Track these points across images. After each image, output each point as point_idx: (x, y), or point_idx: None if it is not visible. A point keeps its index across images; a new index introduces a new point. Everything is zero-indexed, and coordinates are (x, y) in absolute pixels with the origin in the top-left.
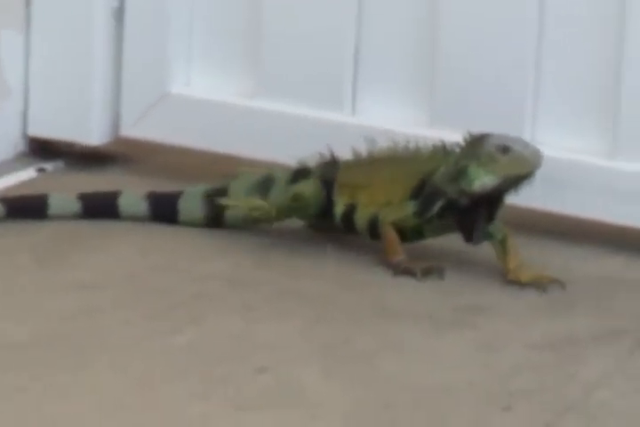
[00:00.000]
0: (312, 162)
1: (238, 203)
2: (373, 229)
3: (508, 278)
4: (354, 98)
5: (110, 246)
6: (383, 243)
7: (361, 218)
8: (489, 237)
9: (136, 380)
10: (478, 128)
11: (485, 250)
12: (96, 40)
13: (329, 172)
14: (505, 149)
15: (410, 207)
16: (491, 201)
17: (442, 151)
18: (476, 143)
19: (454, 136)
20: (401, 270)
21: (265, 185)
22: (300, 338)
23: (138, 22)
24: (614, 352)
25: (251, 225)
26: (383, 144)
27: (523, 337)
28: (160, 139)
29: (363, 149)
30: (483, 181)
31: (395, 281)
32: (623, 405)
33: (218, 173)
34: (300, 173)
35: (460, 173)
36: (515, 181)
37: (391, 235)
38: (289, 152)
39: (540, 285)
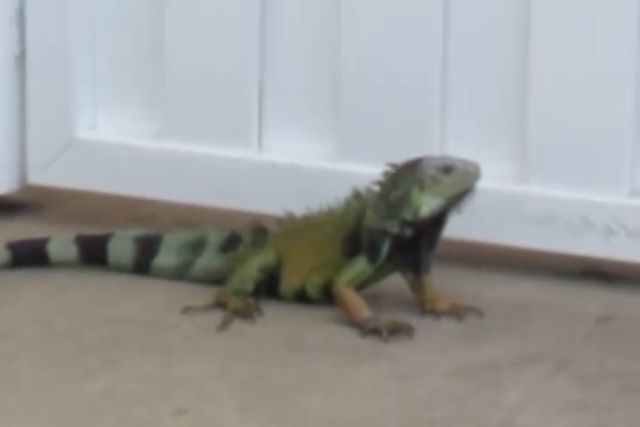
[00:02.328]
0: (242, 230)
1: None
2: (302, 296)
3: (424, 309)
4: (260, 134)
5: (17, 295)
6: (342, 304)
7: (287, 287)
8: (430, 266)
9: (50, 424)
10: (387, 158)
11: (395, 281)
12: None
13: (259, 240)
14: (447, 169)
15: (360, 260)
16: (432, 227)
17: (355, 199)
18: (409, 170)
19: (362, 168)
20: (368, 330)
21: (197, 246)
22: (216, 376)
23: (40, 69)
24: (534, 376)
25: (177, 278)
26: (312, 209)
27: (441, 366)
28: (69, 184)
29: (293, 214)
30: (429, 205)
31: (308, 315)
32: None
33: (129, 216)
34: (232, 240)
35: (397, 205)
36: (459, 198)
37: (350, 294)
38: (198, 192)
39: (456, 313)
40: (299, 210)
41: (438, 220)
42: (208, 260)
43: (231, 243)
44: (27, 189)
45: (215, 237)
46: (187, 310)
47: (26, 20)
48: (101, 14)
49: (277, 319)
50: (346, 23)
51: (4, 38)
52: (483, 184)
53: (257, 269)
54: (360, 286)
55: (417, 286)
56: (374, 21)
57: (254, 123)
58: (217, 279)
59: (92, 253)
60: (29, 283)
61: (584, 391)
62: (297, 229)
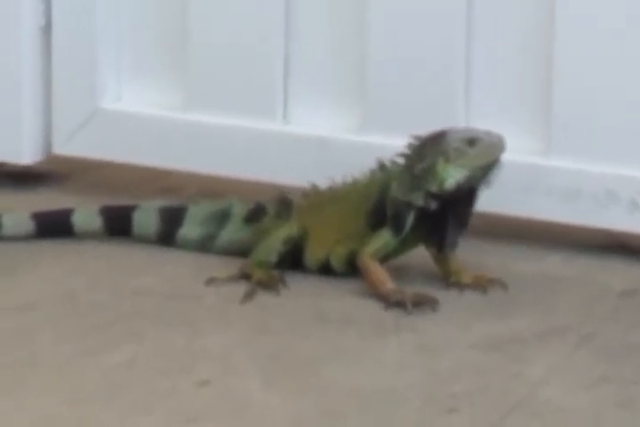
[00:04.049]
0: (267, 202)
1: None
2: (326, 269)
3: (449, 281)
4: (285, 106)
5: (41, 267)
6: (367, 276)
7: (311, 259)
8: (457, 244)
9: (74, 397)
10: (412, 130)
11: (420, 254)
12: (24, 58)
13: (284, 211)
14: (472, 141)
15: (384, 232)
16: (460, 202)
17: (380, 171)
18: (434, 142)
19: (386, 140)
20: (392, 302)
21: (221, 217)
22: (240, 349)
23: (65, 39)
24: (558, 350)
25: (201, 249)
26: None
27: (465, 338)
28: (93, 155)
29: (318, 187)
30: (454, 177)
31: (332, 287)
32: (569, 402)
33: (154, 187)
34: (257, 212)
35: (422, 177)
36: (484, 170)
37: (374, 266)
38: (223, 163)
39: (480, 286)
40: (323, 182)
41: (468, 196)
42: (232, 231)
43: (256, 214)
44: (51, 159)
45: (240, 209)
46: (211, 281)
47: None
48: None
49: (301, 291)
50: None
51: (30, 9)
52: (508, 157)
53: (281, 240)
54: (384, 258)
55: (441, 259)
56: None
57: (280, 94)
58: (241, 251)
59: (117, 225)
60: (53, 254)
61: (608, 365)
62: (321, 201)
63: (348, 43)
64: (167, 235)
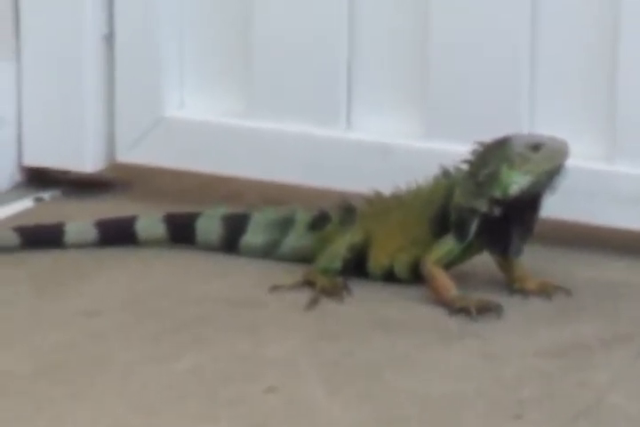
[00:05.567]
0: (331, 209)
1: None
2: (390, 276)
3: (513, 288)
4: (348, 113)
5: (107, 273)
6: (431, 283)
7: (374, 266)
8: (521, 251)
9: (141, 404)
10: (475, 136)
11: (483, 260)
12: (87, 67)
13: (347, 218)
14: (536, 147)
15: (448, 239)
16: (525, 209)
17: (444, 177)
18: (497, 148)
19: (450, 146)
20: (457, 309)
21: (285, 224)
22: (304, 356)
23: (128, 47)
24: (623, 357)
25: (265, 256)
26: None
27: (530, 345)
28: (156, 163)
29: (381, 193)
30: (518, 183)
31: (396, 294)
32: (635, 409)
33: (217, 195)
34: (320, 219)
35: (486, 183)
36: (548, 176)
37: (439, 273)
38: (285, 170)
39: (545, 292)
40: (387, 189)
41: (532, 202)
42: (296, 238)
43: (319, 221)
44: (115, 167)
45: (303, 216)
46: (275, 288)
47: (114, 0)
48: None
49: (365, 298)
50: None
51: (92, 18)
52: (574, 163)
53: (345, 247)
54: (448, 264)
55: (505, 265)
56: None
57: (343, 101)
58: (305, 258)
59: (181, 232)
60: (118, 262)
61: None
62: (385, 207)
63: (411, 49)
64: (231, 242)
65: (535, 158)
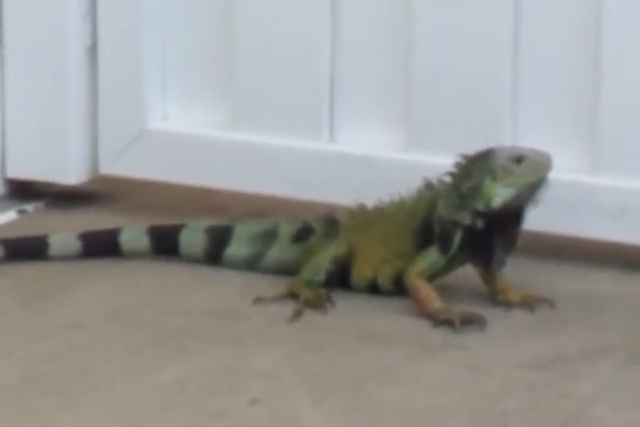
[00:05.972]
0: (314, 221)
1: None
2: (374, 288)
3: (496, 300)
4: (331, 125)
5: (91, 285)
6: (414, 295)
7: (358, 278)
8: (504, 263)
9: (125, 415)
10: (458, 148)
11: (467, 272)
12: (71, 80)
13: (331, 231)
14: (519, 159)
15: (432, 251)
16: (508, 221)
17: (427, 189)
18: (480, 160)
19: (433, 158)
20: (440, 321)
21: (268, 236)
22: (288, 368)
23: (112, 60)
24: (606, 369)
25: (249, 268)
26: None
27: (513, 357)
28: (139, 175)
29: (364, 206)
30: (501, 195)
31: (379, 306)
32: (618, 420)
33: (200, 207)
34: (304, 231)
35: (469, 196)
36: (531, 189)
37: (422, 285)
38: (268, 182)
39: (528, 304)
40: (370, 201)
41: (515, 215)
42: (280, 251)
43: (303, 234)
44: (98, 179)
45: (287, 228)
46: (258, 300)
47: (97, 12)
48: (172, 5)
49: (349, 310)
50: (417, 10)
51: (76, 30)
52: (557, 175)
53: (329, 260)
54: (431, 277)
55: (488, 277)
56: (446, 7)
57: (325, 114)
58: (288, 270)
59: (164, 244)
60: (102, 274)
61: None
62: (368, 220)
63: (393, 61)
64: (214, 254)
65: (518, 171)
